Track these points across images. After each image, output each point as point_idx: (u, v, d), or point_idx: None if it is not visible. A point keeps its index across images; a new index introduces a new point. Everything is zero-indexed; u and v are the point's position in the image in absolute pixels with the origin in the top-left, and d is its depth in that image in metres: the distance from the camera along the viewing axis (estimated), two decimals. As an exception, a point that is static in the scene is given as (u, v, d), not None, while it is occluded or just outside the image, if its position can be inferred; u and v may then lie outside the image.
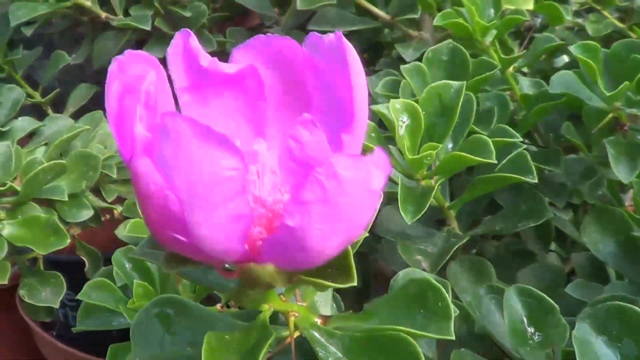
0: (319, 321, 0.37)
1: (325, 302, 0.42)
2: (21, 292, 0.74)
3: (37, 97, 0.92)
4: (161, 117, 0.27)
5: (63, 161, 0.69)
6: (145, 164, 0.28)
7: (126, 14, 0.90)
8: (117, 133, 0.30)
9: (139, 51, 0.32)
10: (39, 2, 0.84)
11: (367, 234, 0.35)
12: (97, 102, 0.92)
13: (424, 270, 0.52)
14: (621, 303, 0.42)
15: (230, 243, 0.29)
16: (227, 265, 0.33)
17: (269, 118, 0.35)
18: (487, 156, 0.48)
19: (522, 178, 0.51)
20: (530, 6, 0.72)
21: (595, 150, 0.61)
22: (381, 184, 0.28)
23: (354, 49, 0.32)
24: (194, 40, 0.34)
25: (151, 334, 0.38)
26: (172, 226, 0.29)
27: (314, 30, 0.78)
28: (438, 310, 0.35)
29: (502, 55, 0.63)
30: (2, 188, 0.69)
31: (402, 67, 0.59)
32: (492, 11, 0.64)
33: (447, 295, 0.36)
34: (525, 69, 0.74)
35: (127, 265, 0.54)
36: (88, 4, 0.88)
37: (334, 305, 0.45)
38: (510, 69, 0.65)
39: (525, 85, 0.66)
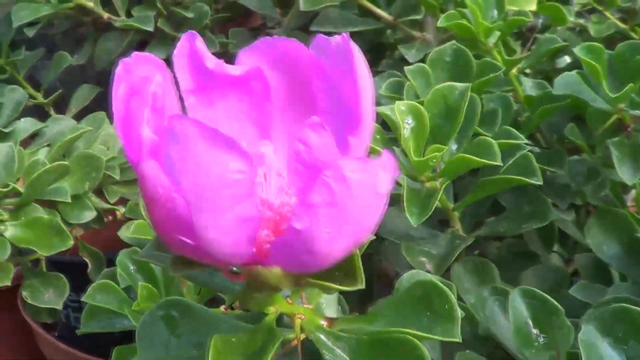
0: (324, 323, 0.37)
1: (330, 304, 0.42)
2: (24, 293, 0.74)
3: (40, 98, 0.92)
4: (169, 120, 0.27)
5: (66, 162, 0.69)
6: (152, 166, 0.28)
7: (128, 14, 0.90)
8: (123, 135, 0.30)
9: (145, 53, 0.32)
10: (42, 3, 0.84)
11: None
12: (99, 103, 0.91)
13: (428, 272, 0.52)
14: (627, 305, 0.42)
15: (237, 246, 0.28)
16: (234, 268, 0.32)
17: (274, 120, 0.35)
18: (492, 158, 0.48)
19: (527, 180, 0.51)
20: (533, 7, 0.72)
21: (599, 152, 0.61)
22: (388, 187, 0.28)
23: (360, 51, 0.32)
24: (199, 42, 0.34)
25: (156, 337, 0.38)
26: (179, 229, 0.29)
27: (316, 31, 0.79)
28: (444, 312, 0.35)
29: (506, 57, 0.63)
30: (5, 189, 0.69)
31: (405, 68, 0.59)
32: (495, 12, 0.64)
33: (453, 297, 0.36)
34: (527, 70, 0.74)
35: (132, 267, 0.54)
36: (90, 4, 0.88)
37: (339, 307, 0.45)
38: (514, 70, 0.65)
39: (529, 87, 0.66)
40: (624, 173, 0.55)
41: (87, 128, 0.75)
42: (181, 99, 0.34)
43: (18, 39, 0.92)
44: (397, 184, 0.51)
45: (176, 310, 0.38)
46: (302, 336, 0.37)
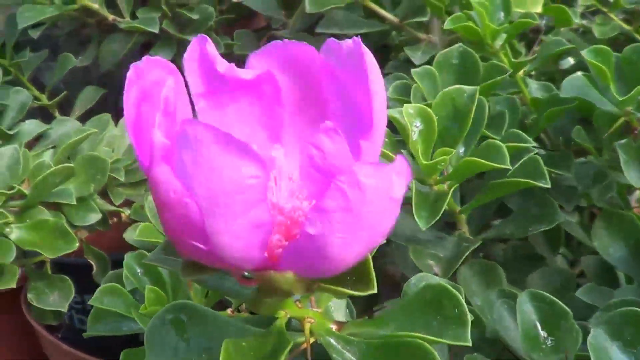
0: (334, 327, 0.37)
1: (338, 308, 0.42)
2: (29, 295, 0.73)
3: (44, 100, 0.91)
4: (181, 125, 0.27)
5: (71, 165, 0.69)
6: (165, 171, 0.28)
7: (133, 16, 0.90)
8: (135, 139, 0.30)
9: (156, 57, 0.32)
10: (47, 4, 0.84)
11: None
12: (103, 105, 0.91)
13: (435, 274, 0.52)
14: (635, 309, 0.42)
15: (250, 251, 0.28)
16: (245, 273, 0.32)
17: (285, 124, 0.35)
18: (500, 161, 0.48)
19: (536, 183, 0.51)
20: (539, 9, 0.71)
21: (606, 154, 0.60)
22: (402, 192, 0.28)
23: (372, 55, 0.32)
24: (210, 46, 0.34)
25: (165, 340, 0.38)
26: (191, 234, 0.29)
27: (322, 33, 0.79)
28: (454, 316, 0.35)
29: (512, 59, 0.63)
30: (10, 192, 0.69)
31: (412, 71, 0.59)
32: (502, 14, 0.64)
33: (463, 301, 0.35)
34: (531, 72, 0.74)
35: (139, 270, 0.54)
36: (95, 6, 0.88)
37: (347, 310, 0.45)
38: (520, 72, 0.64)
39: (534, 89, 0.65)
40: (631, 175, 0.55)
41: (92, 130, 0.75)
42: (192, 102, 0.34)
43: (22, 40, 0.92)
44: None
45: (185, 314, 0.38)
46: (312, 340, 0.37)
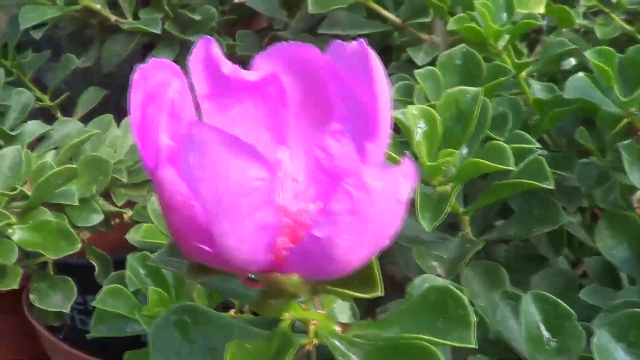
0: (338, 329, 0.37)
1: (343, 310, 0.42)
2: (32, 296, 0.73)
3: (46, 101, 0.91)
4: (187, 127, 0.27)
5: (74, 166, 0.69)
6: (170, 173, 0.28)
7: (135, 17, 0.90)
8: (140, 141, 0.30)
9: (162, 59, 0.32)
10: (49, 5, 0.84)
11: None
12: (105, 105, 0.91)
13: (439, 276, 0.52)
14: (640, 310, 0.42)
15: (256, 253, 0.28)
16: (251, 275, 0.32)
17: (290, 125, 0.35)
18: (505, 163, 0.48)
19: (540, 184, 0.51)
20: (541, 10, 0.71)
21: (609, 155, 0.60)
22: (408, 194, 0.28)
23: (377, 56, 0.32)
24: (215, 48, 0.34)
25: (169, 342, 0.38)
26: (196, 236, 0.29)
27: (324, 34, 0.79)
28: (459, 318, 0.35)
29: (516, 60, 0.63)
30: (13, 193, 0.69)
31: (415, 72, 0.59)
32: (505, 15, 0.64)
33: (467, 303, 0.36)
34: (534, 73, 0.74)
35: (142, 272, 0.54)
36: (98, 7, 0.87)
37: (351, 312, 0.45)
38: (523, 73, 0.64)
39: (537, 90, 0.65)
40: (634, 176, 0.55)
41: (95, 131, 0.75)
42: (196, 104, 0.34)
43: (24, 41, 0.92)
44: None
45: (189, 316, 0.38)
46: (316, 341, 0.37)
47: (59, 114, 0.91)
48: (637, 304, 0.47)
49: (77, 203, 0.70)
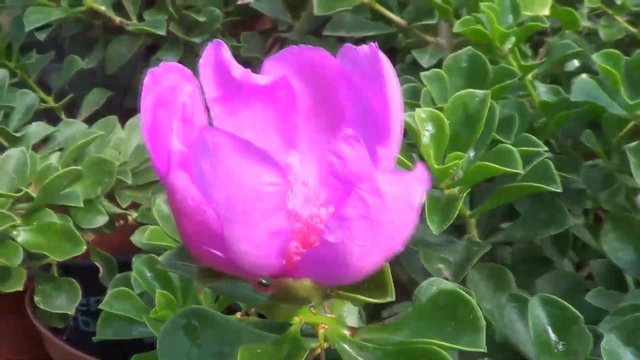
0: (347, 333, 0.37)
1: (351, 313, 0.42)
2: (36, 298, 0.73)
3: (50, 102, 0.91)
4: (200, 132, 0.27)
5: (79, 167, 0.69)
6: (183, 178, 0.28)
7: (140, 18, 0.90)
8: (151, 146, 0.30)
9: (173, 63, 0.32)
10: (53, 7, 0.84)
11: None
12: (108, 107, 0.91)
13: (446, 279, 0.52)
14: (649, 314, 0.42)
15: (268, 258, 0.28)
16: (262, 280, 0.32)
17: (300, 129, 0.35)
18: (513, 166, 0.48)
19: (547, 187, 0.51)
20: (547, 11, 0.71)
21: (615, 158, 0.60)
22: (421, 200, 0.28)
23: (388, 60, 0.32)
24: (226, 51, 0.34)
25: (177, 346, 0.38)
26: (209, 241, 0.29)
27: (329, 36, 0.78)
28: (468, 322, 0.35)
29: (522, 63, 0.63)
30: (18, 194, 0.69)
31: (422, 74, 0.59)
32: (510, 17, 0.64)
33: (477, 307, 0.35)
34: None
35: (148, 274, 0.54)
36: (102, 8, 0.87)
37: (358, 316, 0.45)
38: (529, 75, 0.64)
39: (542, 92, 0.65)
40: (640, 179, 0.55)
41: (100, 133, 0.75)
42: (207, 108, 0.34)
43: (27, 42, 0.92)
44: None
45: (197, 320, 0.38)
46: (325, 345, 0.37)
47: (63, 116, 0.91)
48: (641, 306, 0.47)
49: (81, 205, 0.70)
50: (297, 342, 0.34)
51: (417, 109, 0.49)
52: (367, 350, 0.35)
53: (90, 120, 0.85)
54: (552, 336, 0.46)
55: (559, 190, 0.51)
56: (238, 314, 0.55)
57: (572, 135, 0.64)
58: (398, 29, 0.80)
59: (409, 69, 0.77)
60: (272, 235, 0.27)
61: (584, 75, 0.61)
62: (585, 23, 0.76)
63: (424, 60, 0.74)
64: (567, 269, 0.65)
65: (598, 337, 0.44)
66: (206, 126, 0.28)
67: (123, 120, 0.83)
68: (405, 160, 0.48)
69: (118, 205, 0.77)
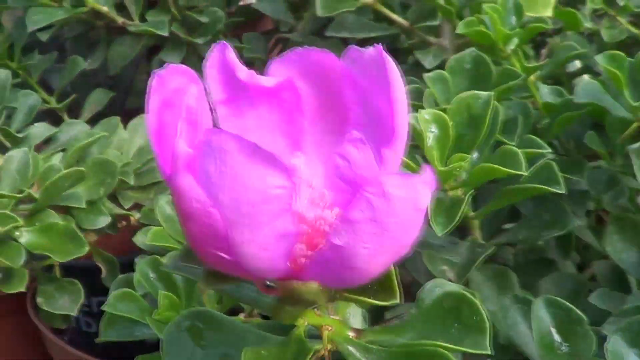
0: (352, 335, 0.37)
1: (355, 315, 0.42)
2: (39, 299, 0.74)
3: (53, 103, 0.91)
4: (206, 134, 0.27)
5: (82, 168, 0.69)
6: (188, 180, 0.28)
7: (142, 19, 0.90)
8: (157, 148, 0.30)
9: (179, 65, 0.31)
10: (56, 7, 0.84)
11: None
12: (111, 108, 0.91)
13: (450, 280, 0.52)
14: (654, 316, 0.42)
15: (275, 261, 0.28)
16: (268, 282, 0.32)
17: (305, 131, 0.35)
18: (517, 168, 0.48)
19: (551, 189, 0.51)
20: (550, 13, 0.71)
21: (619, 160, 0.60)
22: (428, 203, 0.28)
23: (394, 62, 0.32)
24: (231, 53, 0.34)
25: (182, 348, 0.38)
26: (215, 244, 0.28)
27: (332, 37, 0.78)
28: (473, 324, 0.35)
29: (525, 64, 0.63)
30: (20, 195, 0.69)
31: (425, 75, 0.59)
32: (513, 19, 0.64)
33: (482, 309, 0.35)
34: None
35: (152, 276, 0.54)
36: (105, 9, 0.87)
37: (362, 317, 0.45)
38: (532, 77, 0.64)
39: (545, 93, 0.65)
40: (644, 180, 0.55)
41: (102, 133, 0.75)
42: (212, 110, 0.34)
43: (29, 42, 0.92)
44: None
45: (202, 321, 0.38)
46: (329, 347, 0.37)
47: (65, 116, 0.91)
48: (645, 307, 0.47)
49: (84, 206, 0.70)
50: (302, 344, 0.34)
51: (421, 111, 0.49)
52: (372, 352, 0.35)
53: (92, 121, 0.85)
54: (556, 337, 0.46)
55: (562, 192, 0.51)
56: (241, 315, 0.55)
57: (575, 137, 0.64)
58: (401, 30, 0.80)
59: (411, 69, 0.77)
60: (279, 238, 0.27)
61: (585, 76, 0.61)
62: (587, 24, 0.76)
63: (427, 61, 0.74)
64: (569, 270, 0.65)
65: (601, 338, 0.44)
66: (213, 128, 0.28)
67: (125, 121, 0.83)
68: (410, 162, 0.48)
69: (120, 206, 0.77)
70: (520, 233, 0.59)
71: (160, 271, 0.54)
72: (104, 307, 0.55)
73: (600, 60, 0.56)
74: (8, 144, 0.79)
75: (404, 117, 0.31)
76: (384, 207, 0.26)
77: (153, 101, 0.30)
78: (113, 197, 0.77)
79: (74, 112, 0.92)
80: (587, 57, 0.72)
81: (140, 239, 0.69)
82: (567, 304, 0.46)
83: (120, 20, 0.89)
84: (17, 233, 0.68)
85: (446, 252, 0.55)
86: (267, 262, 0.28)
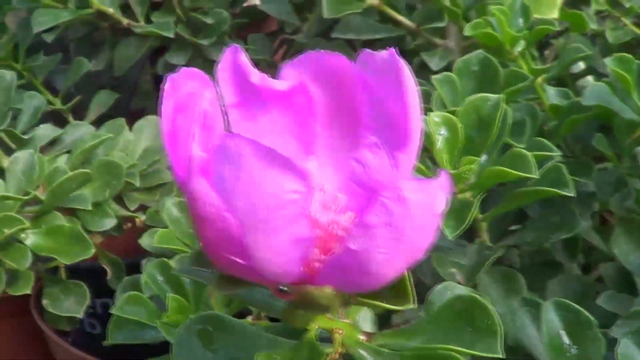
0: (363, 338, 0.36)
1: (366, 319, 0.42)
2: (44, 301, 0.73)
3: (58, 104, 0.91)
4: (222, 138, 0.27)
5: (88, 170, 0.69)
6: (203, 185, 0.28)
7: (147, 20, 0.90)
8: (171, 152, 0.30)
9: (192, 68, 0.31)
10: (61, 8, 0.84)
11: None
12: (117, 109, 0.91)
13: (459, 283, 0.52)
14: (663, 318, 0.42)
15: (290, 266, 0.28)
16: (282, 287, 0.32)
17: (317, 135, 0.35)
18: (527, 170, 0.48)
19: (560, 192, 0.51)
20: (556, 14, 0.71)
21: (626, 162, 0.60)
22: (444, 207, 0.28)
23: (407, 66, 0.32)
24: (243, 56, 0.34)
25: (192, 352, 0.38)
26: (229, 248, 0.28)
27: (337, 38, 0.78)
28: (485, 327, 0.35)
29: (533, 66, 0.63)
30: (26, 197, 0.68)
31: (432, 77, 0.58)
32: (521, 21, 0.64)
33: (494, 312, 0.35)
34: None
35: (160, 278, 0.54)
36: (110, 10, 0.87)
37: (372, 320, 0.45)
38: (539, 79, 0.64)
39: (552, 95, 0.65)
40: (651, 182, 0.55)
41: (108, 135, 0.75)
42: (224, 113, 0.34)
43: (34, 44, 0.92)
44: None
45: (212, 325, 0.38)
46: (341, 351, 0.36)
47: (70, 118, 0.90)
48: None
49: (90, 207, 0.70)
50: (314, 347, 0.34)
51: (430, 113, 0.49)
52: (383, 355, 0.35)
53: (97, 123, 0.85)
54: (566, 340, 0.46)
55: (571, 195, 0.51)
56: (249, 318, 0.55)
57: (583, 139, 0.64)
58: (407, 32, 0.80)
59: (417, 71, 0.77)
60: (294, 243, 0.27)
61: (589, 78, 0.61)
62: (595, 26, 0.76)
63: (433, 62, 0.73)
64: (575, 272, 0.65)
65: (609, 341, 0.44)
66: (228, 133, 0.28)
67: (130, 122, 0.83)
68: (420, 166, 0.48)
69: (126, 208, 0.77)
70: (528, 235, 0.59)
71: (168, 274, 0.54)
72: (112, 310, 0.55)
73: (608, 62, 0.55)
74: (13, 146, 0.79)
75: (417, 121, 0.31)
76: (400, 211, 0.26)
77: (166, 105, 0.30)
78: (119, 199, 0.77)
79: (79, 113, 0.92)
80: (591, 58, 0.72)
81: (146, 241, 0.69)
82: (577, 306, 0.46)
83: (125, 21, 0.89)
84: (23, 235, 0.68)
85: (454, 255, 0.55)
86: (281, 266, 0.28)
